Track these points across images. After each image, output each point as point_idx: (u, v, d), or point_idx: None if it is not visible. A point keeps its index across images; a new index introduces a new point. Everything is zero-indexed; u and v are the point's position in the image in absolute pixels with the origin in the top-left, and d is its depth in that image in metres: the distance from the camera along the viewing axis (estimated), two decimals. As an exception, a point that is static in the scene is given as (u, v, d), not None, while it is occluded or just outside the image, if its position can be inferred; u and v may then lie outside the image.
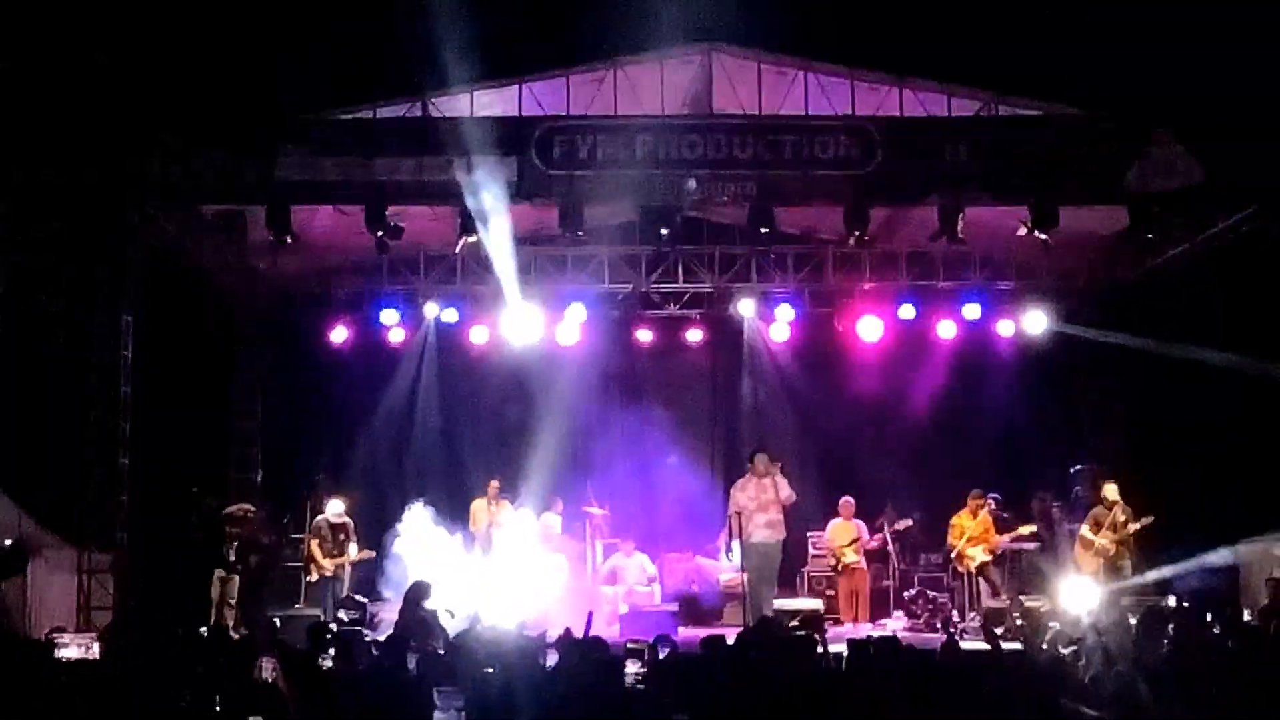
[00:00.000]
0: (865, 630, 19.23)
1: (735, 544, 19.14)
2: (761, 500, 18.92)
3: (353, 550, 19.86)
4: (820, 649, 12.20)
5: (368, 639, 14.38)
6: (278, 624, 16.48)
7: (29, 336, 18.39)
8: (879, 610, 20.90)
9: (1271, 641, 12.18)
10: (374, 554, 19.95)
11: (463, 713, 9.30)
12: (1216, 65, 16.48)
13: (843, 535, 20.65)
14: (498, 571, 19.51)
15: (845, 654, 11.87)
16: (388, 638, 13.62)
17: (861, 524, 20.89)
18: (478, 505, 21.08)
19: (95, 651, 14.70)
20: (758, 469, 19.03)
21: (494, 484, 21.19)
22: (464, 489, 21.65)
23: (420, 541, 19.58)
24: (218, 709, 9.15)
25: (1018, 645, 14.16)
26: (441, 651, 12.87)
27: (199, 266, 20.88)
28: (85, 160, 17.90)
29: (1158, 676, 9.27)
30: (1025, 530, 20.44)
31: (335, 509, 19.97)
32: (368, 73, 19.40)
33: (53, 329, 18.52)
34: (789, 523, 19.22)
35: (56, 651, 14.01)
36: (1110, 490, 19.94)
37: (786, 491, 19.00)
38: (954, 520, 20.24)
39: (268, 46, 18.99)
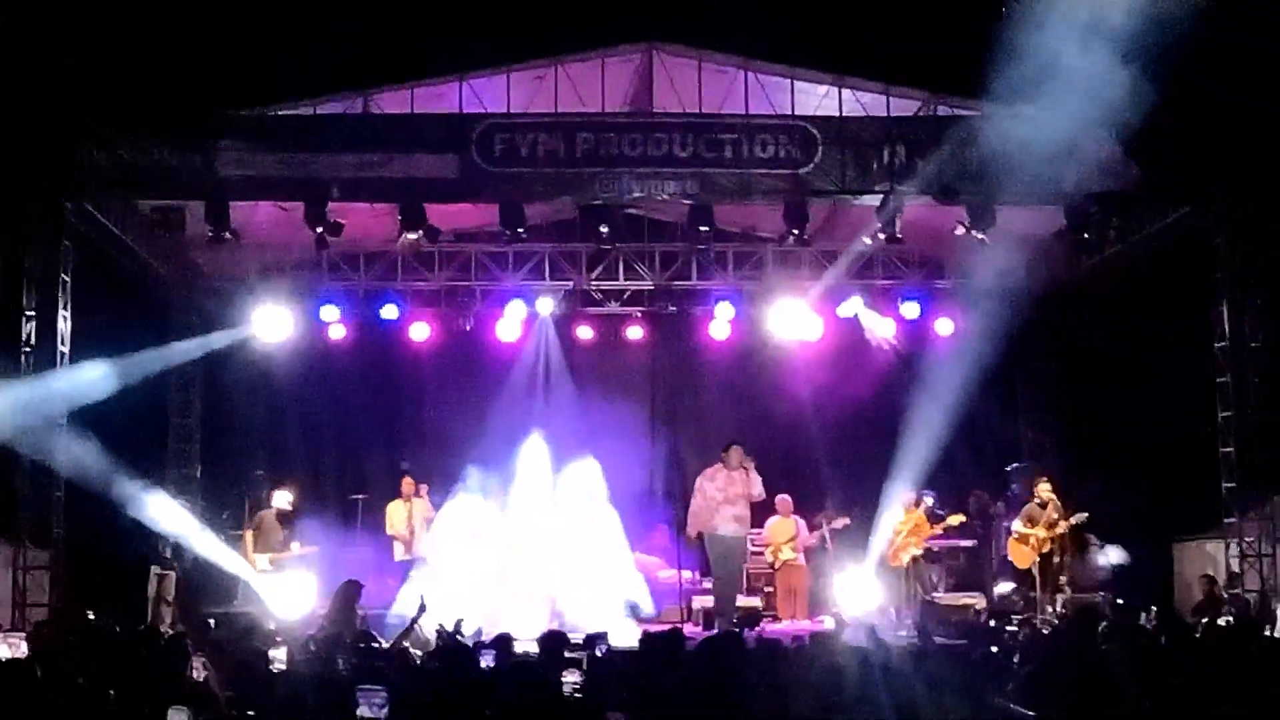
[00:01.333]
0: (804, 627, 19.28)
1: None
2: (730, 493, 18.98)
3: (295, 545, 19.80)
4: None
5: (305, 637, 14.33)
6: (212, 623, 16.40)
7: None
8: (817, 607, 20.96)
9: (1202, 638, 12.28)
10: (316, 549, 19.92)
11: (384, 710, 9.28)
12: (1153, 68, 16.59)
13: (781, 532, 20.67)
14: (426, 571, 19.49)
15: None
16: (320, 636, 13.58)
17: (800, 521, 20.92)
18: (394, 506, 21.05)
19: (24, 650, 14.61)
20: (730, 461, 19.09)
21: (408, 481, 21.15)
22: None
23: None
24: (145, 707, 9.10)
25: (952, 641, 14.24)
26: (379, 649, 12.88)
27: (137, 260, 20.76)
28: (19, 150, 17.78)
29: (1090, 673, 9.35)
30: (954, 520, 20.58)
31: (283, 499, 19.90)
32: (309, 69, 19.33)
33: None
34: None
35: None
36: (1044, 488, 20.08)
37: (758, 488, 19.09)
38: (887, 517, 20.36)
39: (209, 41, 18.91)
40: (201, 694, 9.55)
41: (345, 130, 18.89)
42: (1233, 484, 19.69)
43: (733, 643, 11.65)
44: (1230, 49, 17.06)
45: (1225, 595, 18.87)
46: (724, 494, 18.95)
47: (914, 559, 20.27)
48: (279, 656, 13.19)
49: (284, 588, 18.90)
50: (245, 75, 18.82)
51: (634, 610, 16.60)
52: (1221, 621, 15.33)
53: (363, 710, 9.07)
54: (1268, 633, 15.23)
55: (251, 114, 18.86)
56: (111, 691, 9.22)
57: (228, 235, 18.82)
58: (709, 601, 19.91)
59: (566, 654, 12.02)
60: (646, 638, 12.01)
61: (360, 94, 19.04)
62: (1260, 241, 19.28)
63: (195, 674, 10.96)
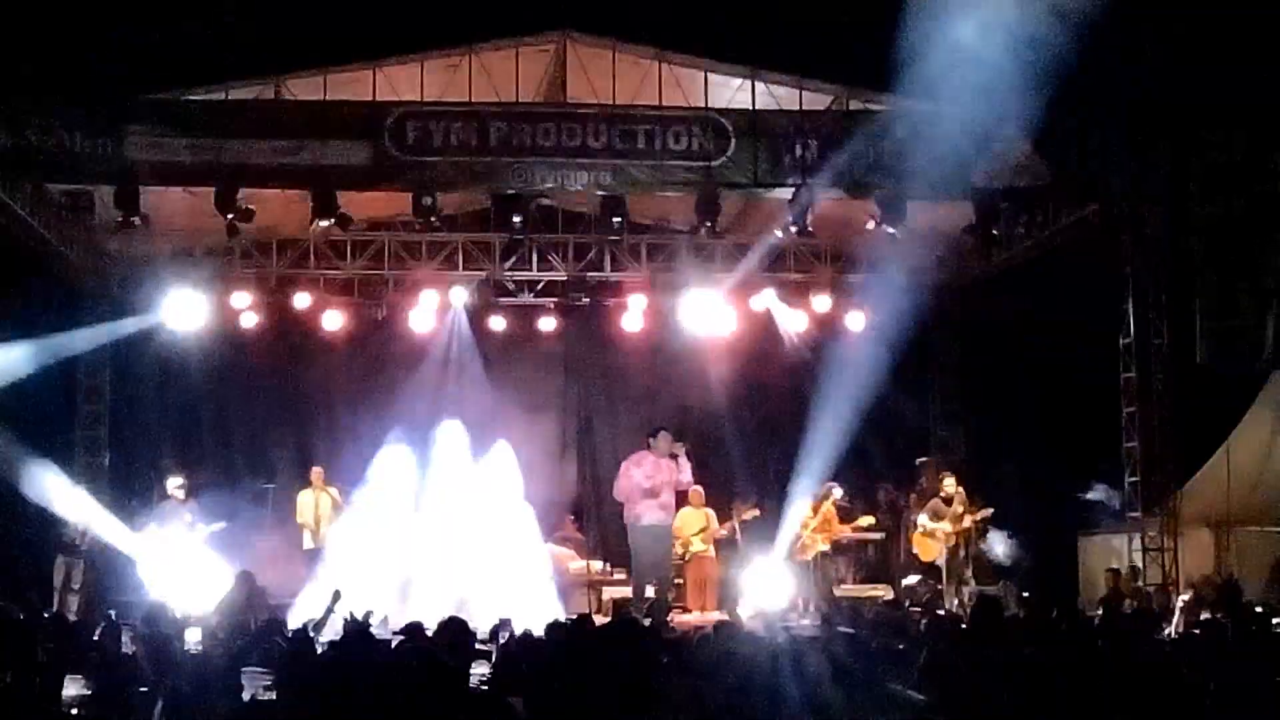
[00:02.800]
0: (713, 619, 19.33)
1: None
2: (656, 480, 18.96)
3: (200, 528, 19.77)
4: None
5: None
6: (112, 613, 16.28)
7: None
8: (727, 599, 20.99)
9: (1105, 630, 12.46)
10: (223, 524, 19.93)
11: (272, 692, 9.28)
12: (1062, 66, 16.75)
13: (691, 524, 20.71)
14: (335, 561, 19.47)
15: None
16: (225, 624, 13.56)
17: (711, 513, 20.97)
18: (303, 495, 21.05)
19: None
20: (659, 447, 19.05)
21: (317, 471, 21.18)
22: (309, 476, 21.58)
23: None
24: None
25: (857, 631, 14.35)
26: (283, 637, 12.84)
27: (46, 245, 20.56)
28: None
29: (989, 664, 9.47)
30: (864, 522, 20.81)
31: (175, 485, 19.90)
32: (221, 53, 19.21)
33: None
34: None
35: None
36: (948, 482, 20.30)
37: (687, 475, 19.08)
38: (795, 511, 20.48)
39: (120, 23, 18.76)
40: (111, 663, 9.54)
41: (257, 116, 18.75)
42: (1136, 478, 19.97)
43: (637, 631, 11.71)
44: (1137, 48, 17.30)
45: (1129, 588, 19.10)
46: (650, 481, 18.93)
47: (821, 552, 20.43)
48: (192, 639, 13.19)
49: (189, 573, 18.83)
50: (156, 59, 18.67)
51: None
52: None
53: (248, 693, 9.08)
54: (1166, 629, 15.42)
55: (162, 98, 18.71)
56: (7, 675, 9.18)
57: (138, 221, 18.63)
58: (620, 593, 19.96)
59: (476, 645, 12.05)
60: (553, 625, 12.05)
61: (272, 80, 18.93)
62: (1165, 239, 19.55)
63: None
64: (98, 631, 11.78)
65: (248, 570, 16.10)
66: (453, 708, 7.80)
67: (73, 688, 9.13)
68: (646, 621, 14.19)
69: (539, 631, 12.15)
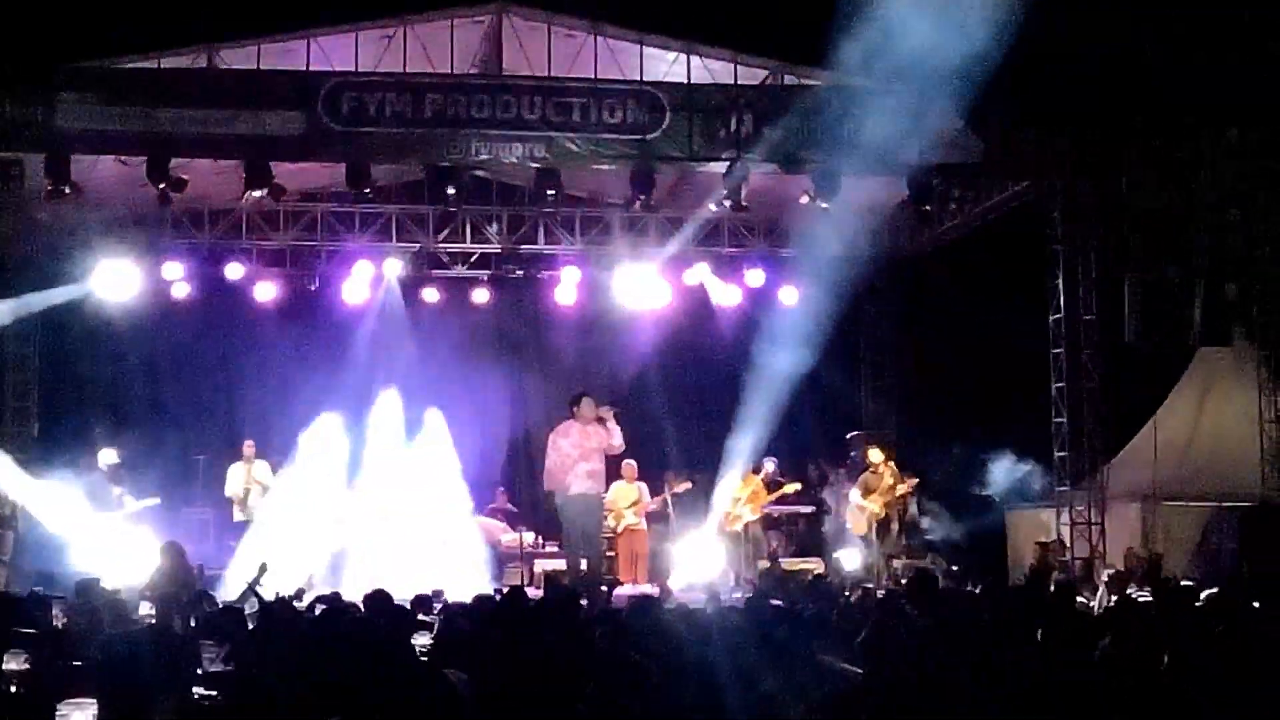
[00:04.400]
0: (644, 591, 19.39)
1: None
2: (585, 448, 18.79)
3: (129, 501, 19.69)
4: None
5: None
6: (39, 589, 16.17)
7: None
8: (658, 572, 21.09)
9: (1031, 602, 12.57)
10: (156, 500, 19.88)
11: (229, 664, 9.28)
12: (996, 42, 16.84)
13: (623, 497, 20.77)
14: (264, 534, 19.45)
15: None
16: (156, 595, 13.52)
17: (643, 486, 21.04)
18: (234, 468, 21.01)
19: None
20: (583, 414, 18.93)
21: (249, 444, 21.15)
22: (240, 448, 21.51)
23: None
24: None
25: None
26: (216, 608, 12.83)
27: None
28: None
29: (922, 636, 9.56)
30: (790, 488, 20.92)
31: (108, 457, 19.82)
32: (153, 21, 19.06)
33: None
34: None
35: None
36: (875, 454, 20.46)
37: (618, 439, 18.96)
38: (723, 483, 20.59)
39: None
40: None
41: (189, 85, 18.57)
42: (1064, 453, 20.17)
43: (574, 603, 11.78)
44: (1072, 25, 17.43)
45: (1057, 561, 19.29)
46: (579, 450, 18.80)
47: (748, 524, 20.55)
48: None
49: (120, 546, 18.74)
50: (87, 26, 18.51)
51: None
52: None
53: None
54: (1091, 602, 15.56)
55: (93, 66, 18.51)
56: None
57: (68, 190, 18.48)
58: (552, 565, 19.98)
59: (419, 617, 12.07)
60: (482, 598, 12.08)
61: (205, 48, 18.74)
62: (1094, 216, 19.73)
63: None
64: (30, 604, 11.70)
65: (175, 541, 16.00)
66: (396, 677, 7.83)
67: (12, 662, 9.07)
68: (583, 597, 14.20)
69: (469, 603, 12.18)
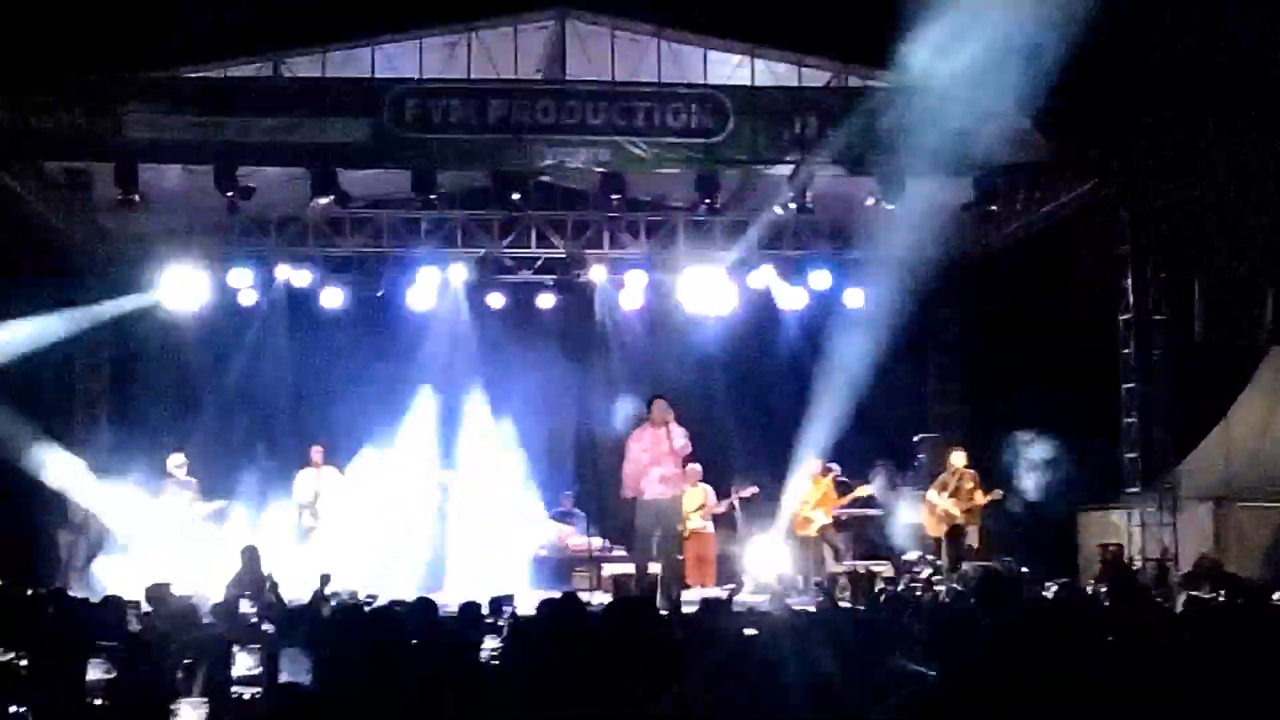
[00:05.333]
0: (712, 594, 19.33)
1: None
2: (656, 452, 18.47)
3: (199, 506, 19.87)
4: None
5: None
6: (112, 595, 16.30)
7: None
8: (725, 575, 21.07)
9: (1101, 603, 12.49)
10: (224, 503, 20.02)
11: (310, 674, 9.32)
12: (1061, 40, 16.74)
13: (690, 501, 20.75)
14: (335, 538, 19.57)
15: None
16: (228, 598, 13.59)
17: (708, 489, 21.02)
18: (303, 474, 21.10)
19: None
20: (655, 417, 18.75)
21: (317, 449, 21.22)
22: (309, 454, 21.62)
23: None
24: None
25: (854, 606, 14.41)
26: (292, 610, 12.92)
27: (45, 223, 20.59)
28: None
29: (994, 637, 9.49)
30: (863, 491, 20.79)
31: (176, 463, 19.99)
32: (220, 31, 19.19)
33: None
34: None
35: None
36: (957, 457, 20.27)
37: (681, 441, 18.84)
38: (794, 487, 20.52)
39: (119, 2, 18.76)
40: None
41: (256, 94, 18.71)
42: (1135, 454, 20.01)
43: (647, 609, 11.75)
44: (1136, 21, 17.29)
45: (1127, 564, 19.13)
46: (650, 454, 18.62)
47: (821, 528, 20.48)
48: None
49: (189, 551, 18.88)
50: (156, 37, 18.65)
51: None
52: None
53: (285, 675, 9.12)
54: (1165, 604, 15.42)
55: (161, 76, 18.71)
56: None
57: (136, 199, 18.67)
58: (619, 569, 19.96)
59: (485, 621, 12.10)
60: (545, 603, 12.08)
61: (271, 57, 18.93)
62: (1164, 214, 19.56)
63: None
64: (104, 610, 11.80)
65: (253, 545, 16.12)
66: (466, 681, 7.86)
67: (94, 672, 9.14)
68: (661, 600, 14.22)
69: (534, 609, 12.19)
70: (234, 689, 9.64)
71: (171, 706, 8.49)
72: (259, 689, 9.32)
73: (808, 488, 20.58)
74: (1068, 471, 20.63)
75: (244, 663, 9.63)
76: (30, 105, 18.01)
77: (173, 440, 21.19)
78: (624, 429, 19.65)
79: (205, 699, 8.78)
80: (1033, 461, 20.41)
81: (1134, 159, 19.29)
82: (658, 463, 18.45)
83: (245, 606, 13.72)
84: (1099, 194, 20.04)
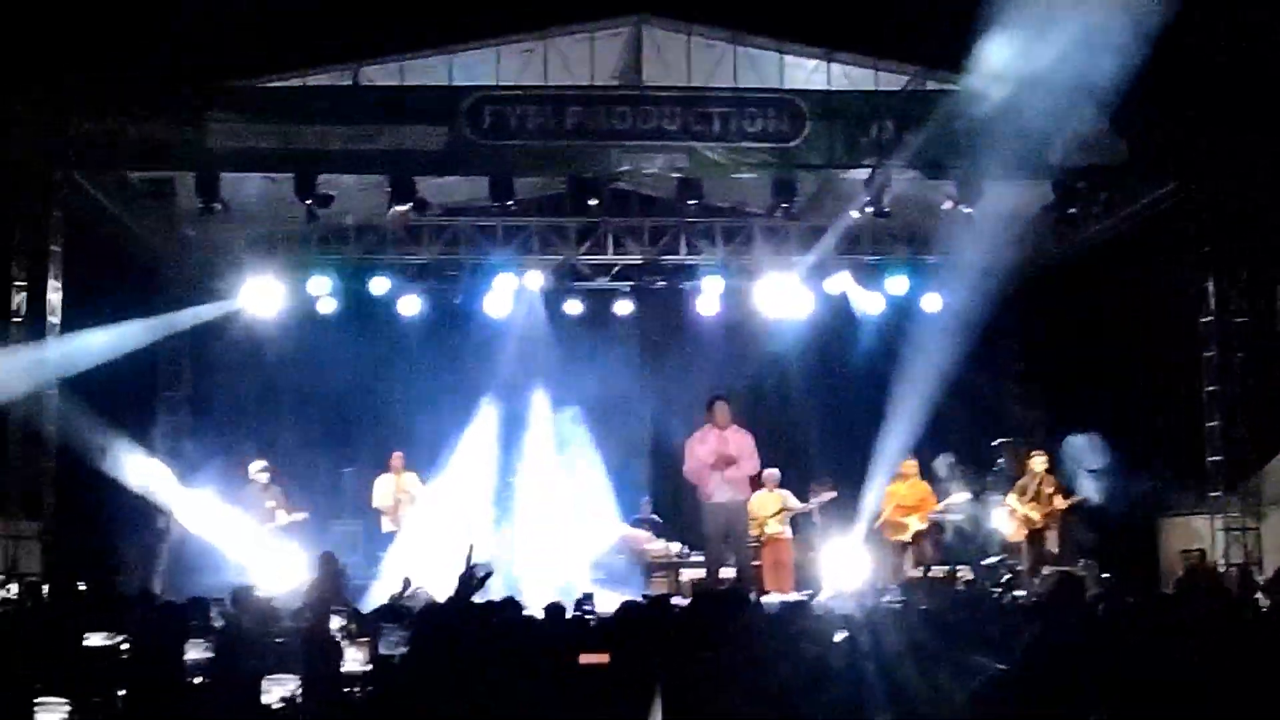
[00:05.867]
0: (791, 600, 19.29)
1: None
2: (723, 454, 18.68)
3: (281, 514, 20.01)
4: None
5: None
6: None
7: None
8: (803, 581, 21.01)
9: (1181, 608, 12.37)
10: (305, 514, 20.15)
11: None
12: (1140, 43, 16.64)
13: (767, 506, 20.70)
14: (415, 543, 19.68)
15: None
16: (310, 604, 13.68)
17: (786, 494, 20.96)
18: (382, 479, 21.20)
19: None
20: (718, 419, 18.74)
21: (398, 455, 21.32)
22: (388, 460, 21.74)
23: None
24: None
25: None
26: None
27: (127, 232, 20.81)
28: (10, 121, 17.80)
29: (1069, 637, 9.44)
30: (959, 497, 20.65)
31: (258, 469, 20.15)
32: (299, 41, 19.36)
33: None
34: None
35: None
36: (1037, 462, 20.11)
37: (741, 445, 18.75)
38: (889, 489, 20.42)
39: (199, 11, 18.92)
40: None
41: (335, 102, 18.87)
42: (1218, 458, 19.82)
43: (726, 607, 11.75)
44: (1216, 23, 17.15)
45: (1211, 568, 18.95)
46: (716, 456, 18.63)
47: (916, 533, 20.31)
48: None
49: (272, 559, 19.03)
50: (236, 47, 18.81)
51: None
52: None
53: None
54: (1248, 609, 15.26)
55: (241, 85, 18.90)
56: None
57: (218, 207, 18.85)
58: (699, 574, 19.95)
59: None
60: (627, 604, 12.10)
61: (349, 66, 19.08)
62: (1245, 216, 19.39)
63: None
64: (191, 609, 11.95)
65: (330, 552, 16.24)
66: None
67: (194, 651, 9.34)
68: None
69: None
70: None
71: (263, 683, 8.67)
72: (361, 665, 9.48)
73: (901, 490, 20.45)
74: (1149, 476, 20.48)
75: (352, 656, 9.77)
76: (114, 115, 18.22)
77: (253, 447, 21.39)
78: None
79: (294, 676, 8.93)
80: (1112, 467, 20.26)
81: (1215, 160, 19.10)
82: (722, 465, 18.45)
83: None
84: (1179, 196, 19.87)
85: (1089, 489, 19.91)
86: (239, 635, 10.36)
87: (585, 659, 5.10)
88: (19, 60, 17.57)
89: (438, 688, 7.66)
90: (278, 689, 8.67)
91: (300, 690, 8.73)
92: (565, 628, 10.97)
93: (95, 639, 10.35)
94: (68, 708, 7.96)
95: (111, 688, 9.10)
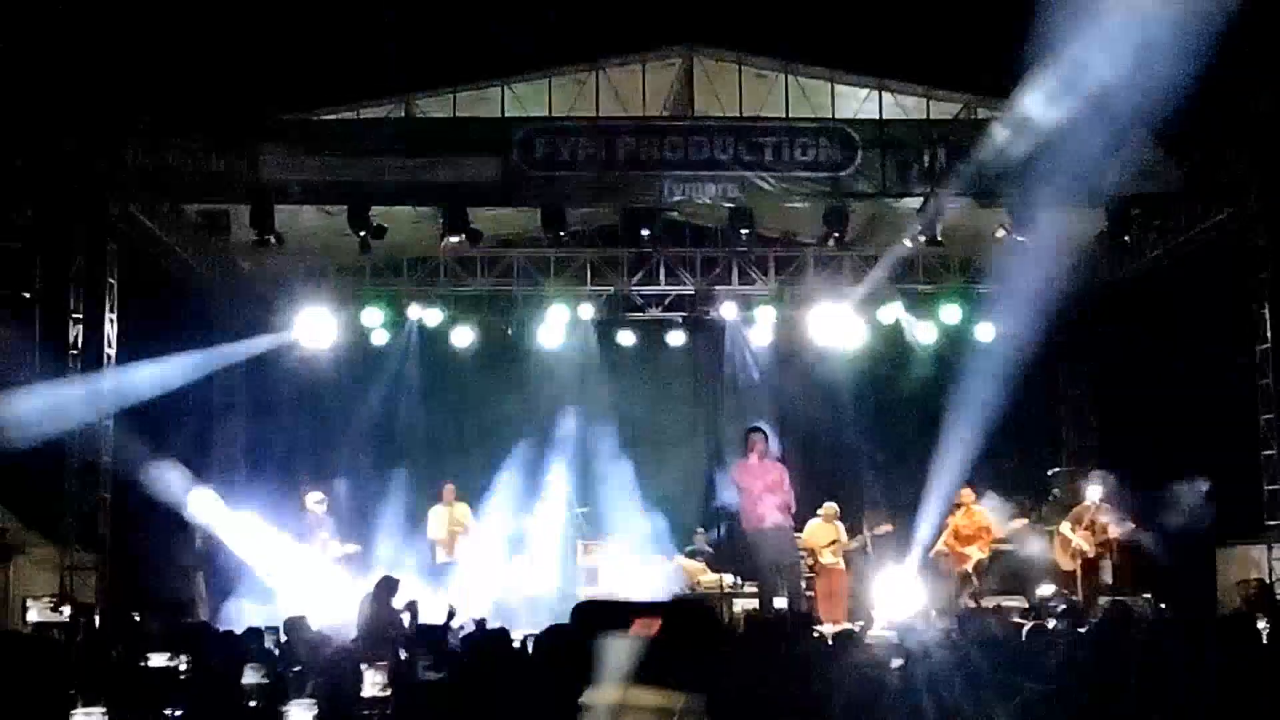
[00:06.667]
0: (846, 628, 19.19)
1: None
2: (768, 481, 18.61)
3: (334, 546, 20.08)
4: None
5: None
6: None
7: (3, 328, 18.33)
8: (857, 611, 20.90)
9: (1234, 640, 12.25)
10: (358, 548, 20.21)
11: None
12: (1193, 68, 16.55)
13: (822, 536, 20.64)
14: (468, 575, 19.72)
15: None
16: (364, 633, 13.73)
17: (841, 525, 20.90)
18: (435, 511, 21.24)
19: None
20: (758, 448, 18.76)
21: (449, 487, 21.37)
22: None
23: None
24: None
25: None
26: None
27: (182, 263, 20.94)
28: (66, 153, 17.95)
29: (1118, 667, 9.38)
30: (1018, 524, 20.52)
31: (314, 500, 20.26)
32: (352, 73, 19.48)
33: (29, 322, 18.39)
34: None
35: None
36: (1094, 491, 20.00)
37: (778, 474, 18.78)
38: (950, 520, 20.29)
39: (253, 45, 19.07)
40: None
41: (388, 134, 19.00)
42: (1275, 486, 19.64)
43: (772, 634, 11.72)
44: (1269, 48, 17.06)
45: (1259, 599, 18.75)
46: (762, 483, 18.60)
47: (977, 563, 20.17)
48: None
49: (322, 586, 19.08)
50: (289, 79, 18.95)
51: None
52: (1261, 625, 15.20)
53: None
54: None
55: (295, 118, 19.05)
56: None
57: (271, 239, 18.95)
58: (751, 605, 19.88)
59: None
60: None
61: (402, 98, 19.19)
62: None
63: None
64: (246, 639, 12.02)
65: (390, 576, 16.25)
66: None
67: (251, 676, 9.39)
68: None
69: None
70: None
71: (281, 709, 8.70)
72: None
73: (961, 519, 20.33)
74: (1205, 506, 20.29)
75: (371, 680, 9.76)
76: (170, 148, 18.37)
77: (308, 478, 21.43)
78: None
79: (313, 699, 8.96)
80: (1169, 496, 20.09)
81: (1270, 186, 18.97)
82: (772, 490, 18.44)
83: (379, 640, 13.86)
84: (1234, 222, 19.74)
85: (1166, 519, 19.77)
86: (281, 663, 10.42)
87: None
88: (74, 93, 17.70)
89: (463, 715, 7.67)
90: (298, 712, 8.71)
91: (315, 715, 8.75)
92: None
93: (157, 659, 10.45)
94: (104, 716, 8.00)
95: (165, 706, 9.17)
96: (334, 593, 18.92)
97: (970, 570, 20.24)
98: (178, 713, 9.05)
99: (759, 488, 18.51)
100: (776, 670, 9.71)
